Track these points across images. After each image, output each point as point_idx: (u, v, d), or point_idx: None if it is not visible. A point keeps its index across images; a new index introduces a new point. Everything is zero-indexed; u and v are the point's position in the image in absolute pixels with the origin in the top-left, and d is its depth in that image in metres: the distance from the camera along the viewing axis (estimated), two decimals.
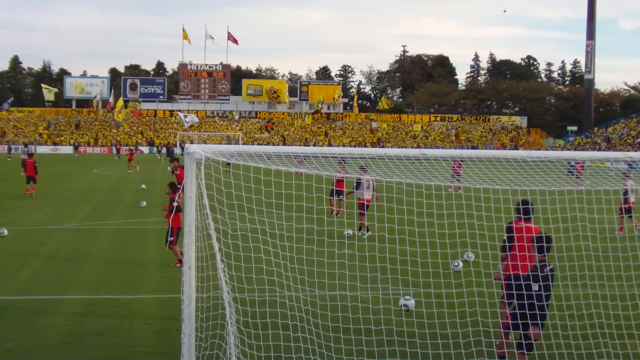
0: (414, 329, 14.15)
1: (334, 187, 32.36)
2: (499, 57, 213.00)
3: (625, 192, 28.20)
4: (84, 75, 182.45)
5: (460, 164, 40.78)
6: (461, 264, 20.60)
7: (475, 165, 15.36)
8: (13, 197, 45.29)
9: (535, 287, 12.34)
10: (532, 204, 15.10)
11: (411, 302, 16.86)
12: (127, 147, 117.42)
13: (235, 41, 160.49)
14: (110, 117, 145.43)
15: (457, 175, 32.41)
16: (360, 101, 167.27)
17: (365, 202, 28.26)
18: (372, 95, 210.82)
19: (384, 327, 13.96)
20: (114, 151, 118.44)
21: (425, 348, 13.57)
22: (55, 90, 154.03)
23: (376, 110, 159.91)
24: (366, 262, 15.96)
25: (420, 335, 14.21)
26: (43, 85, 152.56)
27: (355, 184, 28.78)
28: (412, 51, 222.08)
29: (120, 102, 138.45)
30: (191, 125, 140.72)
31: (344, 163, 25.99)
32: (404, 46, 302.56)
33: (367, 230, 27.38)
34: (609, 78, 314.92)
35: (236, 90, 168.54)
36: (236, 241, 13.10)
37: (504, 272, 14.68)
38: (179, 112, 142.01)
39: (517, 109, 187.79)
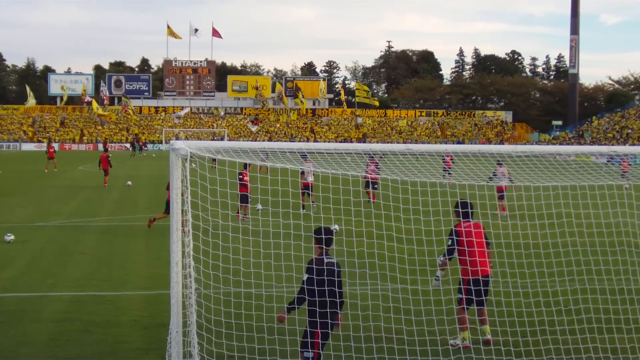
0: (401, 326, 14.15)
1: (369, 180, 36.57)
2: (483, 52, 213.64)
3: (495, 176, 30.52)
4: (68, 72, 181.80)
5: (452, 158, 41.24)
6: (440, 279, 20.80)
7: (462, 161, 15.38)
8: None
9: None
10: (471, 203, 15.07)
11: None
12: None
13: (219, 36, 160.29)
14: (95, 114, 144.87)
15: (449, 168, 33.46)
16: (345, 97, 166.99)
17: (309, 184, 34.00)
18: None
19: (372, 323, 13.93)
20: (130, 147, 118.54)
21: (413, 345, 13.57)
22: (33, 102, 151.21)
23: (358, 103, 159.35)
24: (354, 257, 15.89)
25: (408, 332, 14.22)
26: (29, 89, 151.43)
27: (300, 171, 33.08)
28: (397, 47, 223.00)
29: (94, 104, 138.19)
30: (180, 117, 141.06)
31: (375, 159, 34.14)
32: (389, 42, 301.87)
33: (306, 206, 33.54)
34: (593, 73, 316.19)
35: (221, 87, 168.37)
36: (216, 240, 13.05)
37: (461, 276, 14.69)
38: (173, 114, 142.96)
39: (502, 103, 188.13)
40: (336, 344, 13.05)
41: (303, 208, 33.29)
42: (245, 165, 28.51)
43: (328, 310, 11.73)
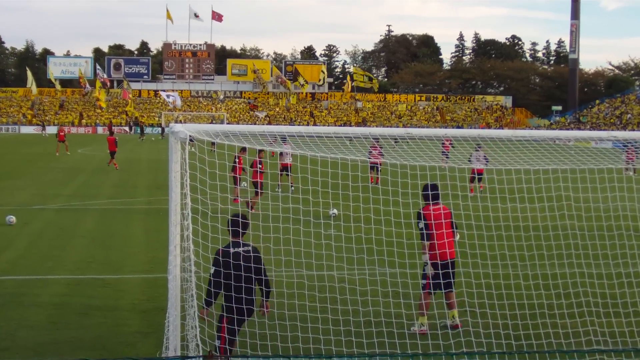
0: (400, 310, 14.16)
1: (369, 164, 37.90)
2: (483, 36, 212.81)
3: (471, 159, 32.39)
4: (67, 55, 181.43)
5: (451, 142, 41.47)
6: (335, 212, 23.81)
7: (461, 146, 15.33)
8: None
9: None
10: (437, 185, 14.99)
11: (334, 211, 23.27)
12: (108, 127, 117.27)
13: (219, 18, 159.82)
14: (94, 98, 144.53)
15: (447, 152, 34.49)
16: (344, 80, 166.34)
17: (287, 165, 35.82)
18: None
19: (371, 308, 13.95)
20: (137, 131, 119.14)
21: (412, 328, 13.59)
22: (33, 87, 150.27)
23: (356, 86, 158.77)
24: (352, 243, 15.91)
25: (407, 316, 14.24)
26: (29, 72, 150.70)
27: (279, 153, 36.03)
28: (397, 31, 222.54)
29: (98, 84, 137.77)
30: (174, 106, 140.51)
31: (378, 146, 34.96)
32: (389, 26, 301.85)
33: (282, 186, 35.27)
34: (593, 58, 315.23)
35: (221, 70, 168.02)
36: (215, 224, 13.03)
37: (428, 260, 14.57)
38: (162, 92, 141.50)
39: (501, 88, 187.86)
40: (336, 329, 13.06)
41: (279, 187, 34.94)
42: (242, 149, 28.47)
43: (242, 296, 11.64)
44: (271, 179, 34.47)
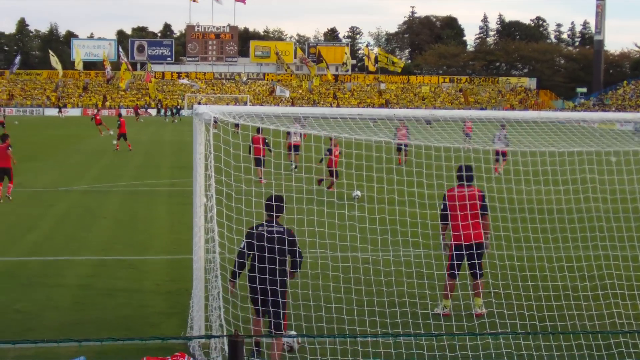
0: (425, 291, 14.15)
1: (399, 145, 37.82)
2: (508, 18, 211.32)
3: (494, 139, 32.76)
4: (91, 37, 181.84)
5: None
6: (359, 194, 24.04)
7: (485, 127, 15.27)
8: (21, 159, 45.29)
9: None
10: (470, 167, 14.91)
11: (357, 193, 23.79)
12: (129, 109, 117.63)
13: (242, 1, 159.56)
14: (118, 79, 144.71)
15: (470, 134, 34.49)
16: (371, 63, 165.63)
17: (293, 144, 36.64)
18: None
19: (395, 289, 13.94)
20: (133, 114, 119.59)
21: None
22: (60, 67, 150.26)
23: (379, 68, 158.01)
24: (376, 224, 15.91)
25: (431, 297, 14.23)
26: (51, 53, 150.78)
27: (287, 132, 35.31)
28: (421, 12, 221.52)
29: (124, 66, 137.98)
30: (192, 87, 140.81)
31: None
32: (413, 7, 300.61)
33: (296, 167, 35.27)
34: (618, 39, 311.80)
35: (244, 52, 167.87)
36: (239, 205, 13.05)
37: (451, 241, 14.52)
38: (180, 80, 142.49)
39: (526, 70, 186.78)
40: (360, 310, 13.07)
41: (295, 167, 35.17)
42: (257, 130, 28.50)
43: (266, 276, 11.64)
44: (284, 159, 34.56)
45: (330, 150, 28.72)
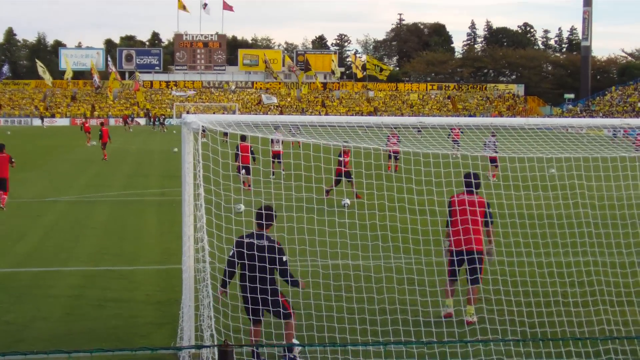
0: (415, 297, 14.16)
1: (391, 152, 37.60)
2: (495, 24, 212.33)
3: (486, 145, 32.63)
4: (79, 46, 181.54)
5: (461, 129, 41.63)
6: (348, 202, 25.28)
7: (474, 134, 15.31)
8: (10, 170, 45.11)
9: None
10: (476, 175, 14.99)
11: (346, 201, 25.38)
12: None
13: (230, 8, 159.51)
14: (106, 88, 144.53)
15: (458, 140, 34.69)
16: (359, 70, 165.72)
17: (279, 153, 36.46)
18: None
19: (386, 296, 13.95)
20: (151, 122, 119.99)
21: (427, 316, 13.60)
22: (48, 77, 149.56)
23: (368, 76, 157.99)
24: (367, 231, 15.89)
25: (422, 303, 14.23)
26: (38, 63, 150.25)
27: (270, 140, 36.39)
28: (409, 19, 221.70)
29: (113, 75, 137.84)
30: (187, 96, 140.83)
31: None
32: (400, 14, 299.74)
33: (276, 173, 34.22)
34: (606, 45, 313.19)
35: (232, 61, 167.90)
36: (229, 214, 13.06)
37: (448, 248, 14.63)
38: (173, 92, 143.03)
39: (514, 77, 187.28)
40: (351, 317, 13.07)
41: (273, 174, 34.01)
42: (242, 137, 28.51)
43: (256, 285, 11.74)
44: (263, 166, 34.78)
45: (340, 156, 28.92)
